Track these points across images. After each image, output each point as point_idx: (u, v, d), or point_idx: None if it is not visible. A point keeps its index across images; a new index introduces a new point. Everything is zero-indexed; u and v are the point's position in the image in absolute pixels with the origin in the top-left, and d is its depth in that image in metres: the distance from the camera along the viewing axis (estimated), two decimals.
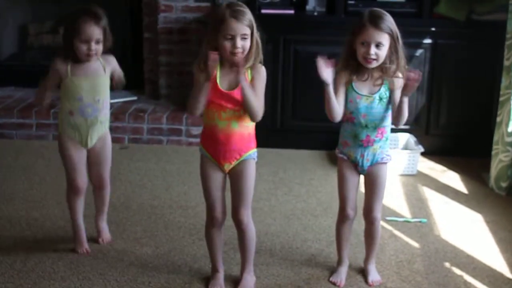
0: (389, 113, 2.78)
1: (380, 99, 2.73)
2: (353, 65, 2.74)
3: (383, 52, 2.66)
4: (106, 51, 2.95)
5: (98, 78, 2.95)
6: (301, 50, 4.49)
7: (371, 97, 2.72)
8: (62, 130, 3.02)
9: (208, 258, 2.96)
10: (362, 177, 2.87)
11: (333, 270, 3.00)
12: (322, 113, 4.51)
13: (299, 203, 3.77)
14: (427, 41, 4.42)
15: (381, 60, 2.67)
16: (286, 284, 2.92)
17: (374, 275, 2.96)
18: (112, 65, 3.01)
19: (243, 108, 2.62)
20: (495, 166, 3.96)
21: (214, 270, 2.90)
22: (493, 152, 4.01)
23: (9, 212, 3.56)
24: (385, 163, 2.82)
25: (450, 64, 4.45)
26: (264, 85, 2.67)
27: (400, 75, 2.72)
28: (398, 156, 4.17)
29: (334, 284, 2.92)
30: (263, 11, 4.53)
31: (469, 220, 3.61)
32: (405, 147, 4.40)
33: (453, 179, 4.20)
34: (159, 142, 4.75)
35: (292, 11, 4.62)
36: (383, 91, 2.73)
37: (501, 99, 3.92)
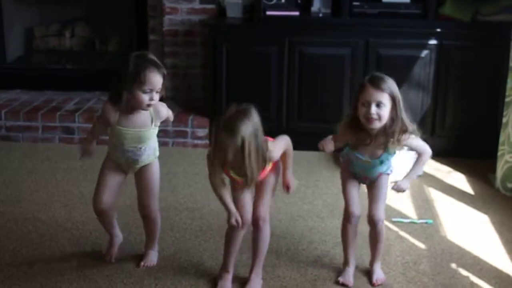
0: (390, 166, 2.87)
1: (381, 162, 2.80)
2: (356, 128, 2.77)
3: (385, 112, 2.68)
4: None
5: (143, 130, 2.84)
6: (306, 52, 4.49)
7: (370, 161, 2.80)
8: (108, 152, 2.97)
9: (214, 259, 2.97)
10: None
11: (339, 271, 3.00)
12: (328, 115, 4.56)
13: (305, 204, 3.77)
14: (432, 42, 4.42)
15: (383, 120, 2.69)
16: (292, 286, 2.92)
17: (378, 274, 2.96)
18: (161, 115, 2.89)
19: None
20: (501, 167, 3.96)
21: (225, 270, 2.89)
22: (499, 153, 4.00)
23: (16, 215, 3.57)
24: (388, 174, 2.89)
25: (455, 65, 4.45)
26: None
27: (405, 137, 2.75)
28: (404, 157, 4.16)
29: (343, 284, 2.93)
30: (268, 12, 4.54)
31: (475, 221, 3.60)
32: (411, 149, 4.39)
33: (459, 180, 4.19)
34: (164, 144, 4.75)
35: (297, 13, 4.62)
36: (384, 157, 2.80)
37: (507, 100, 3.91)
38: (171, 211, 3.64)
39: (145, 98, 2.75)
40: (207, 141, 4.71)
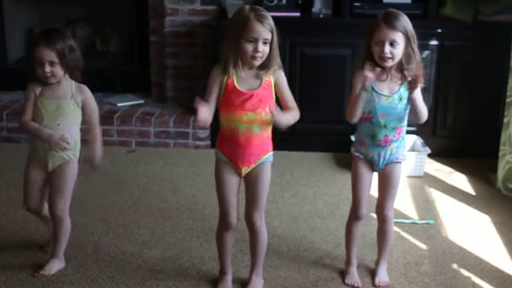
0: (407, 113, 2.79)
1: (400, 99, 2.74)
2: (372, 66, 2.74)
3: (398, 50, 2.67)
4: (72, 73, 2.93)
5: (62, 102, 2.90)
6: (308, 52, 4.49)
7: (391, 97, 2.73)
8: (29, 151, 3.03)
9: (216, 260, 2.97)
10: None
11: (342, 272, 3.01)
12: (329, 115, 4.56)
13: (306, 205, 3.78)
14: (433, 42, 4.42)
15: (396, 59, 2.68)
16: (294, 286, 2.92)
17: (381, 276, 2.95)
18: (84, 95, 2.94)
19: (263, 110, 2.63)
20: (502, 167, 3.96)
21: (223, 272, 2.90)
22: (500, 153, 4.00)
23: (18, 216, 3.57)
24: (400, 162, 2.84)
25: (456, 65, 4.45)
26: (287, 84, 2.74)
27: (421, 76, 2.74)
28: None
29: (352, 286, 2.92)
30: (269, 13, 4.52)
31: (477, 221, 3.60)
32: (412, 149, 4.40)
33: (460, 180, 4.19)
34: (166, 145, 4.76)
35: (298, 14, 4.62)
36: (403, 91, 2.75)
37: (508, 100, 3.91)
38: (172, 212, 3.65)
39: (38, 70, 2.86)
40: (208, 142, 4.72)
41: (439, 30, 4.43)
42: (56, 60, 2.84)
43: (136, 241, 3.30)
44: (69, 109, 2.91)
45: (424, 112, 2.78)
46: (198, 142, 4.74)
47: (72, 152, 2.97)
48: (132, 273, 3.00)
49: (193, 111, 2.56)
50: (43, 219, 3.16)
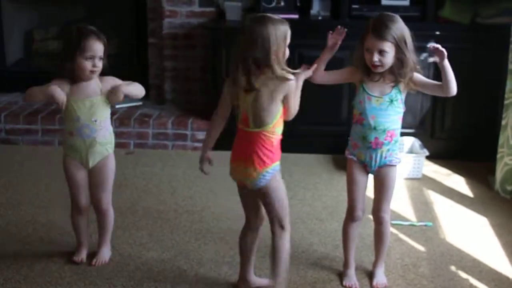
0: (400, 116, 2.79)
1: (391, 101, 2.74)
2: (365, 67, 2.75)
3: (388, 58, 2.67)
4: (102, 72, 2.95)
5: (94, 98, 2.91)
6: (306, 54, 4.48)
7: (381, 99, 2.74)
8: (64, 150, 3.03)
9: (214, 262, 2.99)
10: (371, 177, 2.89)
11: (341, 274, 3.00)
12: (328, 117, 4.56)
13: (304, 207, 3.78)
14: (432, 45, 4.41)
15: (386, 66, 2.69)
16: None
17: (379, 278, 2.96)
18: (109, 82, 2.96)
19: None
20: (501, 170, 3.96)
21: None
22: (498, 156, 4.01)
23: (16, 218, 3.58)
24: (394, 165, 2.84)
25: (454, 67, 4.37)
26: None
27: (414, 74, 2.76)
28: (403, 160, 4.17)
29: None
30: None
31: (475, 223, 3.60)
32: (410, 151, 4.40)
33: (458, 182, 4.19)
34: (164, 147, 4.77)
35: (296, 16, 4.63)
36: (394, 94, 2.75)
37: (506, 102, 3.92)
38: (170, 213, 3.65)
39: (87, 65, 2.85)
40: None
41: (438, 32, 4.43)
42: (102, 55, 2.87)
43: (134, 242, 3.30)
44: (101, 104, 2.93)
45: (454, 82, 2.77)
46: (196, 144, 4.74)
47: (110, 146, 3.02)
48: (130, 274, 3.01)
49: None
50: (85, 224, 3.15)
